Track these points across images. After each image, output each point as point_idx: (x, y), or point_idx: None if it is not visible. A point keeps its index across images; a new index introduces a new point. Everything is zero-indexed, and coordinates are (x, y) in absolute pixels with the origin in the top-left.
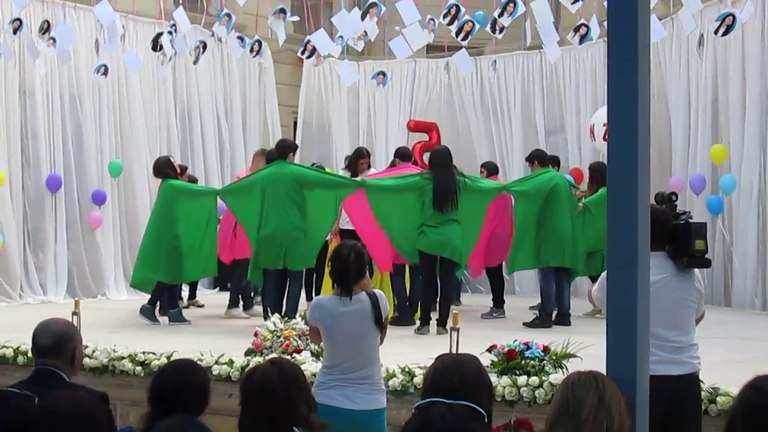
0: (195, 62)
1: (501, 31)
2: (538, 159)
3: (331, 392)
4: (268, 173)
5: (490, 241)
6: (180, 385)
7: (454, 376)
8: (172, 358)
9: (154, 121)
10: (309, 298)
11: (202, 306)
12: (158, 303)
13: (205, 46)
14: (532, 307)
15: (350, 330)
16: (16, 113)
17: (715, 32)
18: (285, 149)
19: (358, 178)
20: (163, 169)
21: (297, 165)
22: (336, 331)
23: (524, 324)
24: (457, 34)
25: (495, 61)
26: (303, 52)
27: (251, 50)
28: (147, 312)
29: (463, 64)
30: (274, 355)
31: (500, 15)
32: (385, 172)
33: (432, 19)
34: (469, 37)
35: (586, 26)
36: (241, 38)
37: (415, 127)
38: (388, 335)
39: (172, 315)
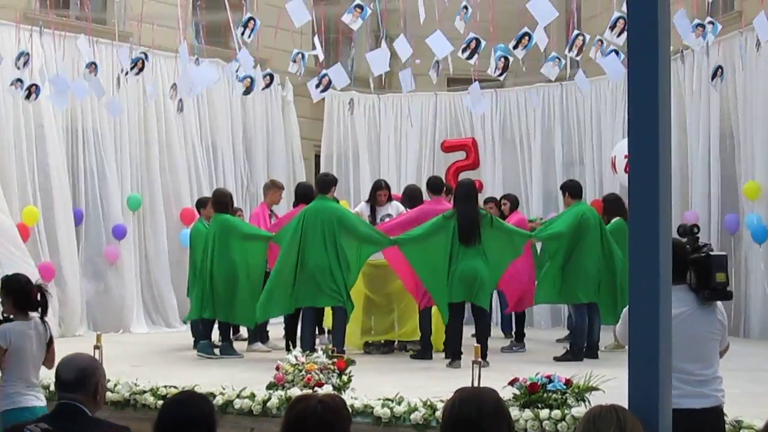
0: (246, 93)
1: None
2: (570, 191)
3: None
4: (311, 208)
5: (514, 275)
6: (181, 419)
7: (472, 408)
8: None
9: (177, 156)
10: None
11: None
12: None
13: (252, 82)
14: (559, 340)
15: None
16: (32, 147)
17: None
18: (327, 184)
19: (379, 216)
20: (224, 201)
21: (338, 204)
22: (25, 349)
23: (555, 358)
24: (495, 69)
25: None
26: (318, 86)
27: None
28: (206, 349)
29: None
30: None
31: (515, 47)
32: (412, 213)
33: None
34: (506, 72)
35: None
36: (271, 75)
37: (449, 147)
38: (411, 368)
39: (201, 346)
